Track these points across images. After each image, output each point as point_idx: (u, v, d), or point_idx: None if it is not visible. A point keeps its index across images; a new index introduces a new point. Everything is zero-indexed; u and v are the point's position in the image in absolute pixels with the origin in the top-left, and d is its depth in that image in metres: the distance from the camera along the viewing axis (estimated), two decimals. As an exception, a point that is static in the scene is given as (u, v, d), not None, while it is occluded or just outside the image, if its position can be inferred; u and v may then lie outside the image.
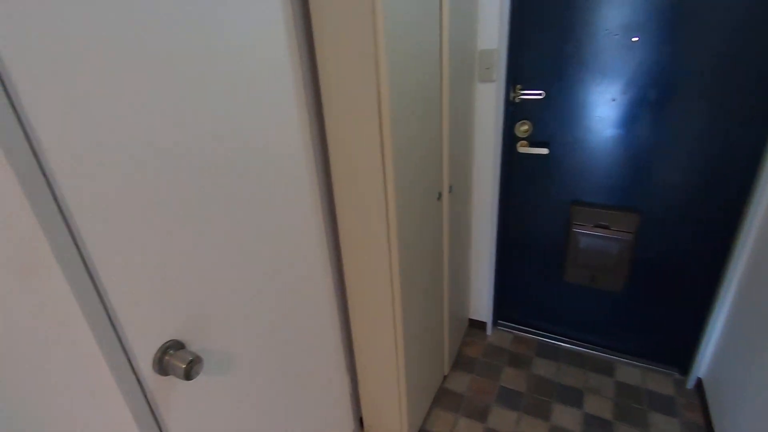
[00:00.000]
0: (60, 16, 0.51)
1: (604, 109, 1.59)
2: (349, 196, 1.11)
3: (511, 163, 1.84)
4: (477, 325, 2.23)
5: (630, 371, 1.91)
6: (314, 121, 1.06)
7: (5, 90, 0.46)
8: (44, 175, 0.50)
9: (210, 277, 0.79)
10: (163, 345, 0.71)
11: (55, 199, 0.51)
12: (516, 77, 1.68)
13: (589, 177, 1.72)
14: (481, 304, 2.17)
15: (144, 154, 0.64)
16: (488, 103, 1.72)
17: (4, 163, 0.45)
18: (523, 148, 1.77)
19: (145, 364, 0.68)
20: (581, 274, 1.87)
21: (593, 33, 1.50)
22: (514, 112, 1.75)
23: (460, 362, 2.01)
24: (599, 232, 1.75)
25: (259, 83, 0.86)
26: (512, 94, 1.71)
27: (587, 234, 1.77)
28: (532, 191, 1.85)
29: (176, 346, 0.73)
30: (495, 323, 2.23)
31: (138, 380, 0.67)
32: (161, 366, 0.70)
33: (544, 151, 1.74)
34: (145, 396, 0.69)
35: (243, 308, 0.89)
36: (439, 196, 1.42)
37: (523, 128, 1.76)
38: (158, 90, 0.65)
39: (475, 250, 2.04)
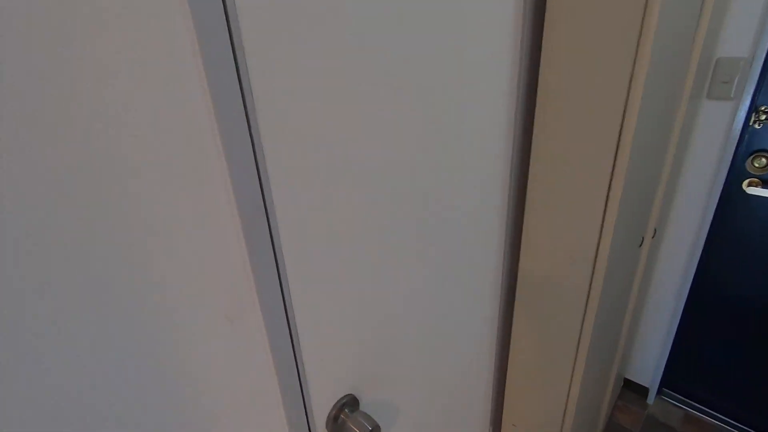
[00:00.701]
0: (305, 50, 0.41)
1: None
2: (543, 234, 0.91)
3: (730, 204, 1.43)
4: (634, 388, 1.85)
5: None
6: (518, 144, 0.87)
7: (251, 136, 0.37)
8: (268, 222, 0.41)
9: (385, 326, 0.67)
10: (339, 401, 0.60)
11: (273, 248, 0.42)
12: (762, 96, 1.28)
13: None
14: (646, 364, 1.78)
15: (354, 197, 0.53)
16: (715, 126, 1.34)
17: (236, 215, 0.37)
18: (754, 188, 1.36)
19: (320, 421, 0.58)
20: (814, 365, 1.39)
21: None
22: (749, 140, 1.34)
23: (610, 430, 1.68)
24: None
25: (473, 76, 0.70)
26: (753, 117, 1.31)
27: (841, 317, 1.30)
28: (757, 243, 1.42)
29: (352, 403, 0.62)
30: (659, 391, 1.83)
31: (311, 439, 0.58)
32: (335, 425, 0.60)
33: (789, 195, 1.30)
34: (314, 456, 0.59)
35: (410, 360, 0.77)
36: (641, 242, 1.14)
37: (758, 163, 1.34)
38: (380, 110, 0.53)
39: (652, 301, 1.67)
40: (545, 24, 0.77)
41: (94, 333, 0.33)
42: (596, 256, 0.85)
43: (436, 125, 0.63)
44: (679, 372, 1.77)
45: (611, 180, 0.77)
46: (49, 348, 0.31)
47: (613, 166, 0.76)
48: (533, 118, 0.84)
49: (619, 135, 0.73)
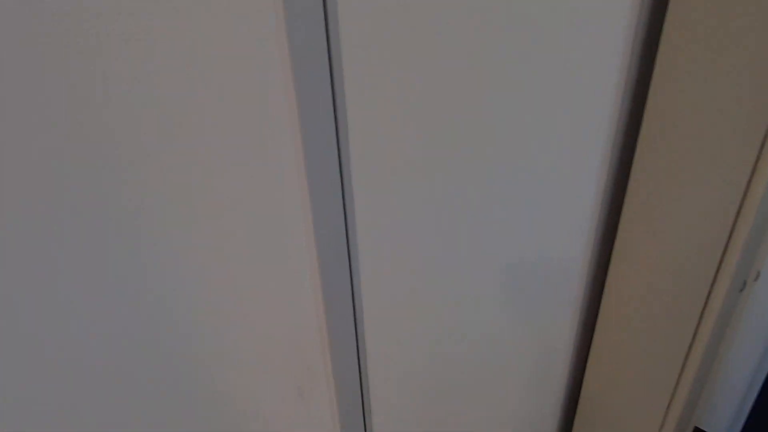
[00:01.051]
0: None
1: None
2: (639, 273, 0.78)
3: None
4: (707, 440, 1.64)
5: None
6: (617, 152, 0.75)
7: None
8: (353, 304, 0.33)
9: (450, 388, 0.59)
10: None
11: (355, 325, 0.34)
12: None
13: None
14: (723, 415, 1.58)
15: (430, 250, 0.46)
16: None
17: (320, 301, 0.30)
18: None
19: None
20: None
21: None
22: None
23: (679, 487, 1.49)
24: None
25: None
26: None
27: None
28: None
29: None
30: (738, 446, 1.62)
31: None
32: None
33: None
34: None
35: (470, 415, 0.67)
36: (744, 286, 0.98)
37: None
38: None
39: (737, 345, 1.48)
40: None
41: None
42: (706, 303, 0.72)
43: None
44: (761, 427, 1.56)
45: (741, 207, 0.63)
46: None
47: (747, 188, 0.62)
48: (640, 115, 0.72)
49: (761, 148, 0.59)
